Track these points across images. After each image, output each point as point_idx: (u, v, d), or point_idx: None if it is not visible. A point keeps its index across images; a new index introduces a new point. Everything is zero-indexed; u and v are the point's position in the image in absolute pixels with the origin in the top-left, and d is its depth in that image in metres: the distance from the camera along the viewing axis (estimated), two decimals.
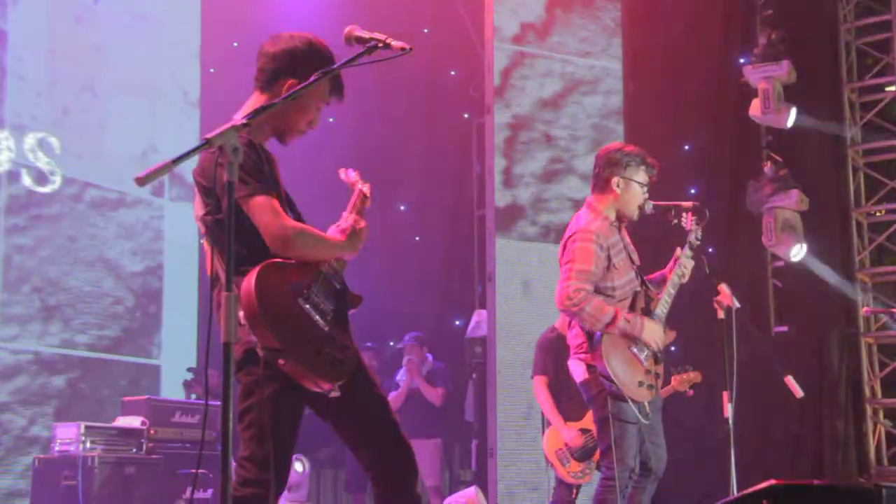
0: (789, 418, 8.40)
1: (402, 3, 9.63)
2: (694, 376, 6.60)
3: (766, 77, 8.49)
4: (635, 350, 5.09)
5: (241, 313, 3.41)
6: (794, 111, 8.50)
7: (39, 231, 8.80)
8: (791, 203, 8.41)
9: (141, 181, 2.67)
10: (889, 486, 2.60)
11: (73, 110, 9.13)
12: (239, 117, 2.93)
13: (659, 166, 5.37)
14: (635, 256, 5.36)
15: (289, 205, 3.79)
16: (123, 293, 9.35)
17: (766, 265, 8.89)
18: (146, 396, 7.84)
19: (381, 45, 3.40)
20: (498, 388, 8.38)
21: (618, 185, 5.26)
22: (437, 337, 10.04)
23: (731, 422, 5.08)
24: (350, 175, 4.04)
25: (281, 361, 3.45)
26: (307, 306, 3.55)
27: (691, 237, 5.35)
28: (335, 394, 3.59)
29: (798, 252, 8.44)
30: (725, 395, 5.11)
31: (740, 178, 8.76)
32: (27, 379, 8.57)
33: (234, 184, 2.84)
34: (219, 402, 2.80)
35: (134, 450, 7.38)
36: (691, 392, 6.58)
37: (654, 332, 5.13)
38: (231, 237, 2.84)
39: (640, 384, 5.09)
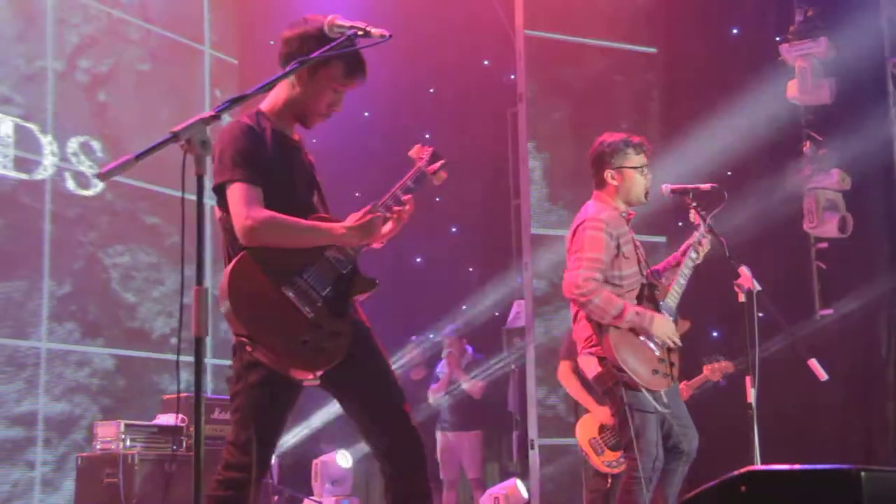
0: (835, 402, 8.23)
1: None
2: (726, 366, 6.50)
3: (803, 55, 8.32)
4: (644, 339, 5.01)
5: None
6: (832, 83, 8.30)
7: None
8: (832, 183, 8.23)
9: (103, 177, 2.68)
10: (869, 469, 2.53)
11: (114, 113, 9.22)
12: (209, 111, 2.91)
13: (646, 142, 5.29)
14: (641, 251, 5.29)
15: (312, 191, 3.79)
16: None
17: (809, 247, 8.70)
18: (186, 394, 7.91)
19: (360, 32, 3.41)
20: (537, 378, 8.33)
21: (612, 178, 5.22)
22: (476, 328, 10.01)
23: (754, 407, 4.96)
24: (423, 152, 4.00)
25: (248, 348, 3.47)
26: (290, 293, 3.55)
27: (701, 229, 5.27)
28: (313, 382, 3.60)
29: (844, 227, 8.23)
30: (748, 379, 5.00)
31: (780, 160, 8.60)
32: (75, 377, 8.68)
33: (203, 177, 2.83)
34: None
35: (174, 447, 7.45)
36: (724, 382, 6.48)
37: (665, 327, 5.03)
38: (202, 228, 2.82)
39: (655, 372, 5.00)
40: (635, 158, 5.24)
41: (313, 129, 3.90)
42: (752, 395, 4.97)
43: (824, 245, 8.60)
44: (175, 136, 2.81)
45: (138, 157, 2.73)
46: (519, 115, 8.75)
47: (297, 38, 3.73)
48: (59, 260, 8.55)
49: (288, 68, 3.40)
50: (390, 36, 3.37)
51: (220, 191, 3.64)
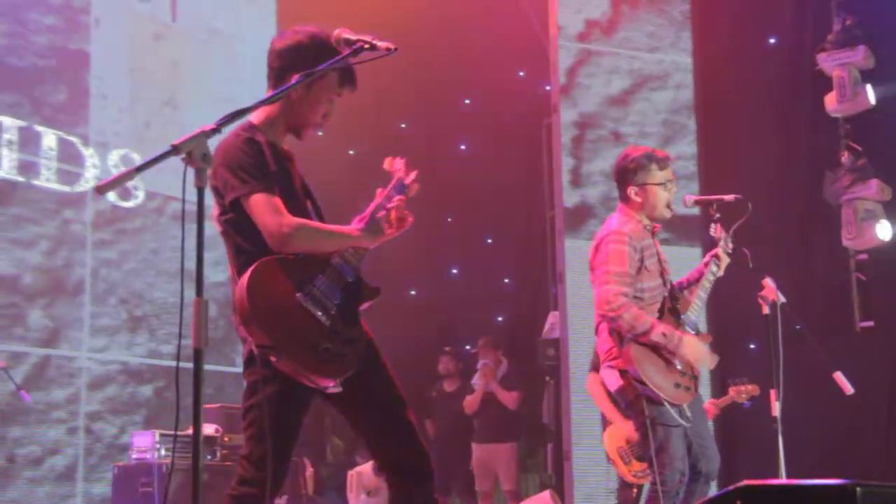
0: (877, 415, 8.10)
1: (470, 5, 9.63)
2: (752, 389, 6.44)
3: (841, 64, 8.22)
4: (666, 353, 4.97)
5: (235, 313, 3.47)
6: (870, 89, 8.19)
7: (124, 245, 9.02)
8: (871, 193, 8.11)
9: (102, 189, 2.71)
10: (864, 483, 2.49)
11: (154, 126, 9.34)
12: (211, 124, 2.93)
13: (669, 157, 5.24)
14: (667, 266, 5.25)
15: (306, 200, 3.83)
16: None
17: (848, 258, 8.58)
18: (220, 404, 7.97)
19: (367, 46, 3.43)
20: (572, 390, 8.29)
21: (635, 194, 5.18)
22: (511, 339, 9.99)
23: (779, 420, 4.90)
24: (395, 164, 4.00)
25: (273, 358, 3.47)
26: (307, 301, 3.55)
27: (721, 244, 5.22)
28: (336, 389, 3.59)
29: (884, 230, 8.11)
30: (773, 392, 4.94)
31: (818, 170, 8.50)
32: (117, 388, 8.78)
33: (203, 189, 2.85)
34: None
35: (208, 457, 7.50)
36: (748, 404, 6.43)
37: (695, 349, 4.97)
38: (201, 241, 2.85)
39: (677, 386, 4.95)
40: (659, 174, 5.19)
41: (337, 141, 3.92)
42: (777, 409, 4.91)
43: (864, 256, 8.48)
44: (175, 149, 2.83)
45: (138, 169, 2.76)
46: (553, 125, 8.74)
47: (292, 49, 3.73)
48: (101, 270, 8.66)
49: (294, 81, 3.42)
50: (395, 49, 3.38)
51: (235, 205, 3.65)
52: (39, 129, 8.44)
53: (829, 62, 8.31)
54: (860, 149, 8.40)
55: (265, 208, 3.57)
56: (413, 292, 10.94)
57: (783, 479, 3.12)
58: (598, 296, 5.02)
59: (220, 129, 2.96)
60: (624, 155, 5.32)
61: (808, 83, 8.72)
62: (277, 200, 3.60)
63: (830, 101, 8.30)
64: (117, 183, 2.74)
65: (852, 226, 8.14)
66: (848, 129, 8.52)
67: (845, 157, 8.34)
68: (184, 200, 2.85)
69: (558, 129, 8.63)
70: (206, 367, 8.44)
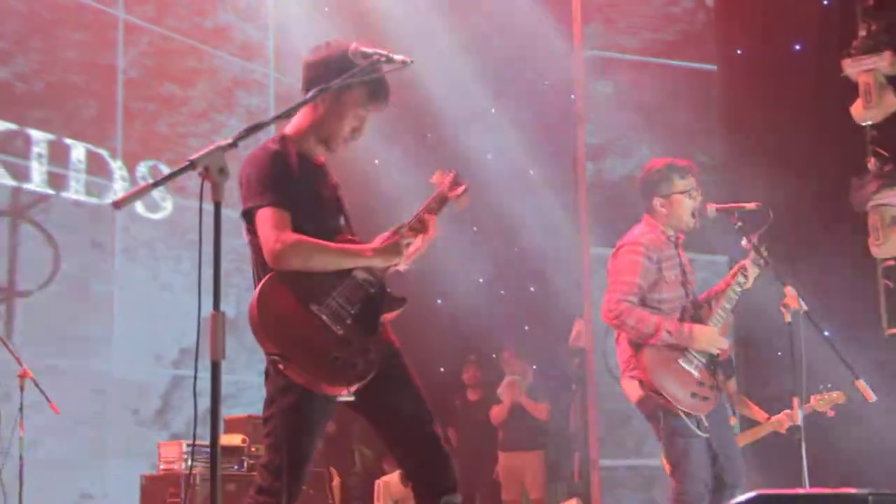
0: None
1: (497, 18, 9.66)
2: (837, 396, 6.29)
3: (867, 70, 8.19)
4: (682, 362, 4.96)
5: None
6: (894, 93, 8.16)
7: (151, 255, 9.08)
8: None
9: (119, 205, 2.74)
10: (878, 493, 2.49)
11: (183, 138, 9.40)
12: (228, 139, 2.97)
13: (691, 165, 5.25)
14: (692, 277, 5.25)
15: (338, 212, 3.85)
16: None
17: (875, 265, 8.53)
18: (247, 414, 8.01)
19: (383, 59, 3.47)
20: (598, 398, 8.28)
21: (661, 205, 5.20)
22: (538, 348, 9.98)
23: (802, 428, 4.87)
24: (444, 177, 4.03)
25: (280, 366, 3.51)
26: (321, 311, 3.59)
27: (752, 257, 5.20)
28: (348, 398, 3.63)
29: None
30: (795, 400, 4.91)
31: (845, 176, 8.46)
32: (150, 396, 8.83)
33: (220, 204, 2.89)
34: None
35: (235, 467, 7.54)
36: (832, 413, 6.28)
37: (706, 336, 4.98)
38: (218, 254, 2.88)
39: (694, 396, 4.94)
40: (681, 183, 5.23)
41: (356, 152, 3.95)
42: (799, 417, 4.89)
43: (891, 262, 8.43)
44: (192, 164, 2.86)
45: (155, 184, 2.80)
46: (578, 134, 8.74)
47: (321, 63, 3.79)
48: (128, 282, 8.73)
49: (310, 94, 3.47)
50: (412, 61, 3.43)
51: (248, 216, 3.71)
52: (69, 141, 8.53)
53: (854, 68, 8.28)
54: (887, 154, 8.35)
55: (267, 223, 3.63)
56: (439, 301, 10.96)
57: (799, 489, 3.10)
58: (603, 304, 5.08)
59: (236, 144, 2.99)
60: (647, 168, 5.39)
61: (833, 89, 8.68)
62: (285, 216, 3.63)
63: (857, 107, 8.27)
64: (134, 197, 2.79)
65: (879, 232, 8.11)
66: (874, 136, 8.48)
67: (872, 163, 8.30)
68: (201, 214, 2.88)
69: (583, 138, 8.63)
70: (230, 377, 8.44)
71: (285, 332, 3.56)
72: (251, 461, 7.55)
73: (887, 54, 8.19)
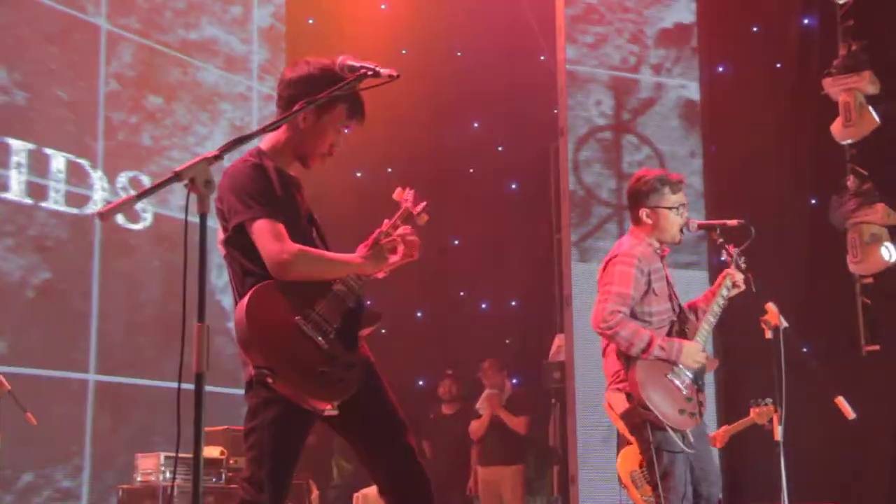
0: (883, 439, 8.09)
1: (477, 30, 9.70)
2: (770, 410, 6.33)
3: (846, 89, 8.25)
4: (671, 377, 4.97)
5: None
6: (873, 112, 8.22)
7: (131, 267, 9.05)
8: (877, 217, 8.13)
9: (104, 216, 2.73)
10: None
11: (164, 150, 9.38)
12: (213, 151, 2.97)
13: (682, 180, 5.25)
14: (674, 288, 5.25)
15: (311, 227, 3.87)
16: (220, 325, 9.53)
17: (853, 282, 8.59)
18: (224, 427, 7.97)
19: (370, 73, 3.47)
20: (578, 412, 8.29)
21: (647, 216, 5.18)
22: (518, 362, 9.99)
23: (781, 444, 4.89)
24: (405, 194, 4.02)
25: (269, 380, 3.50)
26: (306, 325, 3.60)
27: (733, 266, 5.21)
28: (332, 412, 3.62)
29: (889, 253, 8.11)
30: (776, 417, 4.93)
31: (824, 195, 8.52)
32: (122, 409, 8.77)
33: (206, 216, 2.88)
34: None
35: (213, 479, 7.50)
36: (769, 426, 6.32)
37: (693, 353, 4.99)
38: (203, 266, 2.88)
39: (682, 412, 4.94)
40: (671, 198, 5.19)
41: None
42: (779, 433, 4.91)
43: (869, 280, 8.49)
44: (178, 176, 2.85)
45: (139, 196, 2.79)
46: (560, 148, 8.77)
47: (303, 80, 3.77)
48: (108, 293, 8.69)
49: (296, 108, 3.47)
50: (398, 76, 3.43)
51: (238, 230, 3.70)
52: (48, 151, 8.49)
53: (834, 87, 8.34)
54: (866, 173, 8.42)
55: (267, 234, 3.62)
56: (419, 314, 10.96)
57: None
58: (594, 314, 5.03)
59: (222, 156, 2.98)
60: (637, 177, 5.32)
61: (814, 108, 8.76)
62: (280, 227, 3.64)
63: (837, 126, 8.33)
64: (119, 209, 2.78)
65: (858, 249, 8.16)
66: (853, 154, 8.55)
67: (851, 182, 8.35)
68: (186, 226, 2.88)
69: (565, 152, 8.66)
70: (214, 389, 8.43)
71: (273, 345, 3.55)
72: (230, 473, 7.52)
73: (867, 74, 8.26)
